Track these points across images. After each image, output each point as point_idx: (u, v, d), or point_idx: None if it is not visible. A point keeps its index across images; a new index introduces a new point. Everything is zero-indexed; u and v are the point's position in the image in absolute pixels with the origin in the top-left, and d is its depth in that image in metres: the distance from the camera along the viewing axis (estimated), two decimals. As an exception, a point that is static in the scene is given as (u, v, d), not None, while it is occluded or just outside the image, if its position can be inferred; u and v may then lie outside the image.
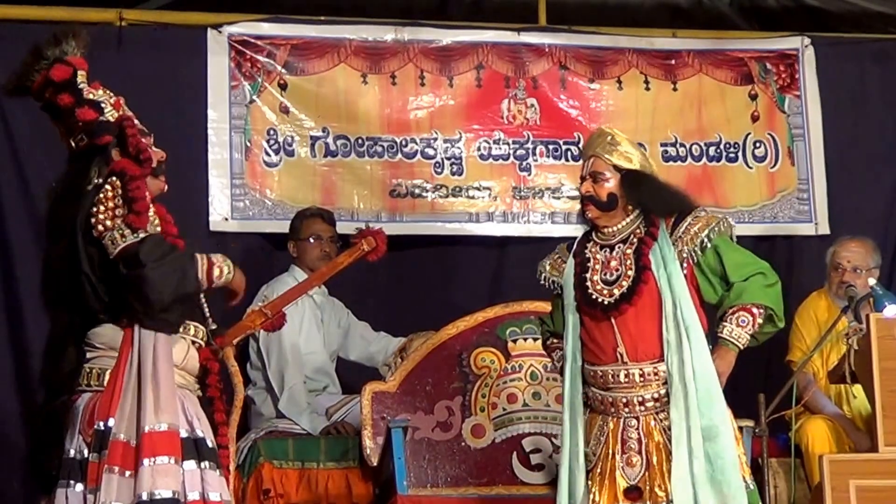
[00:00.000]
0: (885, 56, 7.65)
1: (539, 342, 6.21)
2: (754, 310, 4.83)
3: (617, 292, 4.84)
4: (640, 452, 4.77)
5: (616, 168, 4.91)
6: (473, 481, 6.01)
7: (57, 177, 4.55)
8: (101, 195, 4.31)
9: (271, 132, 7.14)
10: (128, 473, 4.18)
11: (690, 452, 4.67)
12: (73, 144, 4.48)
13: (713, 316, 4.91)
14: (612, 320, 4.83)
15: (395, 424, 5.81)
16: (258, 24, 7.19)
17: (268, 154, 7.11)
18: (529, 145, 7.38)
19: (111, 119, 4.47)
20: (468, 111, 7.36)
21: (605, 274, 4.90)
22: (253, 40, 7.15)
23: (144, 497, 4.15)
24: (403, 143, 7.27)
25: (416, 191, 7.26)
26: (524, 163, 7.37)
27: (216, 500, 4.31)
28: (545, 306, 6.23)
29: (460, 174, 7.30)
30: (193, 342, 4.47)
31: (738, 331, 4.83)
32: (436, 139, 7.30)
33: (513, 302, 6.37)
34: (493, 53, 7.40)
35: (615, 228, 4.95)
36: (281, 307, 5.11)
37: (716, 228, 4.89)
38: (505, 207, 7.33)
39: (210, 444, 4.36)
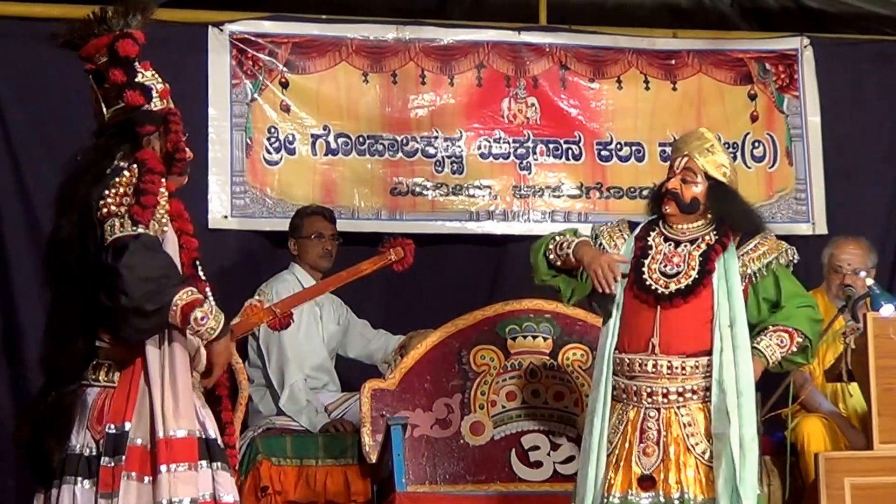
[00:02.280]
0: (884, 57, 7.66)
1: (538, 340, 6.26)
2: (795, 335, 4.93)
3: (674, 286, 4.89)
4: (657, 443, 4.81)
5: (707, 175, 4.96)
6: (472, 479, 6.03)
7: (80, 148, 4.40)
8: (118, 179, 4.19)
9: (272, 130, 7.16)
10: (146, 479, 4.09)
11: (742, 460, 4.72)
12: (105, 116, 4.36)
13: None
14: (658, 311, 4.88)
15: (394, 422, 5.83)
16: (259, 23, 7.21)
17: (268, 152, 7.13)
18: (530, 144, 7.40)
19: (156, 108, 4.35)
20: (469, 110, 7.38)
21: (665, 265, 4.94)
22: (254, 38, 7.16)
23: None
24: (404, 141, 7.29)
25: (417, 189, 7.28)
26: (524, 161, 7.38)
27: (229, 501, 4.22)
28: (545, 304, 6.29)
29: (461, 173, 7.32)
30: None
31: (775, 347, 4.91)
32: (436, 138, 7.32)
33: (512, 300, 6.38)
34: (494, 53, 7.41)
35: (685, 227, 5.01)
36: (291, 307, 5.04)
37: (784, 255, 5.00)
38: (505, 206, 7.35)
39: (221, 445, 4.28)
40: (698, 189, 4.97)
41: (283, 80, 7.19)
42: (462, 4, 7.61)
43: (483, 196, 7.34)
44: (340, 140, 7.22)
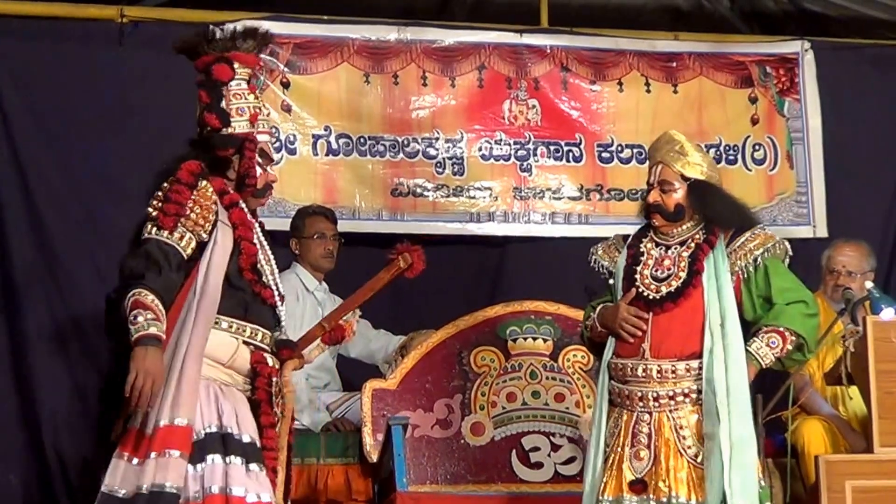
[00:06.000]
0: (884, 61, 7.68)
1: (538, 341, 6.27)
2: (787, 335, 4.91)
3: (664, 290, 4.91)
4: (648, 447, 4.83)
5: (683, 177, 4.96)
6: (472, 479, 6.04)
7: (173, 156, 4.49)
8: (164, 184, 4.32)
9: (273, 130, 7.15)
10: (135, 461, 4.17)
11: (731, 460, 4.72)
12: (198, 128, 4.50)
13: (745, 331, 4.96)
14: (650, 315, 4.89)
15: (395, 422, 5.84)
16: (261, 23, 7.14)
17: (270, 152, 7.13)
18: (530, 146, 7.41)
19: (235, 131, 4.44)
20: (470, 111, 7.39)
21: (656, 270, 4.96)
22: (256, 38, 7.17)
23: (145, 488, 4.13)
24: (405, 142, 7.30)
25: (418, 190, 7.29)
26: (525, 163, 7.39)
27: (239, 495, 4.24)
28: (546, 306, 6.29)
29: (461, 174, 7.33)
30: (246, 343, 4.41)
31: (766, 349, 4.90)
32: (437, 139, 7.33)
33: (513, 301, 6.40)
34: (495, 54, 7.43)
35: (675, 231, 5.02)
36: (336, 320, 5.04)
37: (771, 249, 4.97)
38: (506, 207, 7.36)
39: (246, 440, 4.31)
40: (678, 195, 4.96)
41: (284, 80, 7.20)
42: (463, 6, 7.62)
43: (484, 197, 7.35)
44: (341, 140, 7.23)
